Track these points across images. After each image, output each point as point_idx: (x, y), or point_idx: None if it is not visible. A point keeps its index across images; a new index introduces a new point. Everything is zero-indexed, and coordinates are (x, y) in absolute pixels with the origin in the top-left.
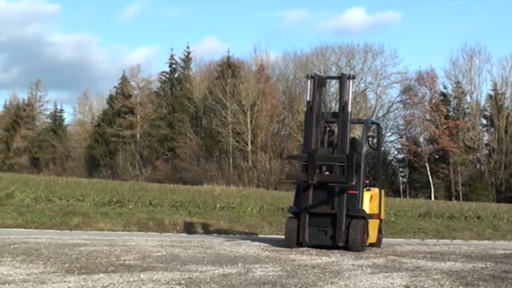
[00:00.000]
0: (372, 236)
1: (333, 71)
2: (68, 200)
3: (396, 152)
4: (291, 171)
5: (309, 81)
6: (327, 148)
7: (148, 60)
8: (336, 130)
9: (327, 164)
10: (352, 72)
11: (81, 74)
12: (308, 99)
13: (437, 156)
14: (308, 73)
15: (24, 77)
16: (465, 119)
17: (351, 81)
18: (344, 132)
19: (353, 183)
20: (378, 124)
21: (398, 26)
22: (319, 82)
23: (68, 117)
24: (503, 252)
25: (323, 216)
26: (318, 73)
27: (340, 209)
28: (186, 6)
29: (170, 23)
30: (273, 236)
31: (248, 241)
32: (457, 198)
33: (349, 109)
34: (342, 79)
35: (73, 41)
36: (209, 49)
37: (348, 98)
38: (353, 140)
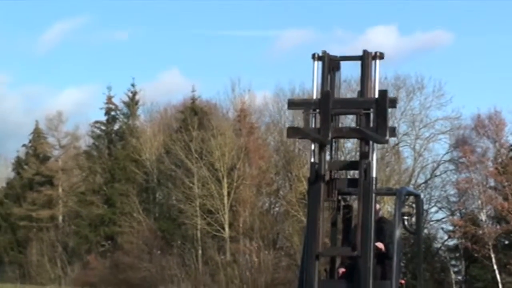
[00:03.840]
0: None
1: (350, 118)
2: None
3: (446, 237)
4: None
5: (315, 64)
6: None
7: (82, 108)
8: (355, 205)
9: (348, 112)
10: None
11: None
12: (313, 160)
13: (507, 242)
14: (314, 52)
15: None
16: None
17: (377, 63)
18: (367, 208)
19: (387, 138)
20: (417, 196)
21: (446, 51)
22: (331, 67)
23: None
24: None
25: None
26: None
27: None
28: (135, 27)
29: (112, 51)
30: None
31: None
32: None
33: (374, 173)
34: (365, 59)
35: None
36: (166, 87)
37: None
38: (380, 219)
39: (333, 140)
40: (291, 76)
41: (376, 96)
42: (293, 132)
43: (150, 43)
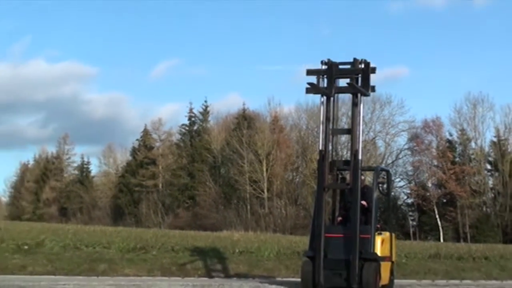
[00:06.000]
0: (384, 278)
1: (344, 121)
2: (95, 248)
3: (405, 197)
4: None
5: (322, 67)
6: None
7: (174, 115)
8: (348, 177)
9: (344, 76)
10: (361, 122)
11: (112, 129)
12: (320, 148)
13: (445, 200)
14: (322, 59)
15: (59, 133)
16: (471, 164)
17: (362, 66)
18: (356, 179)
19: (369, 92)
20: (387, 171)
21: (406, 79)
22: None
23: (94, 169)
24: None
25: (337, 259)
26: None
27: (353, 252)
28: (210, 64)
29: (196, 80)
30: (290, 279)
31: (267, 284)
32: (465, 240)
33: (360, 157)
34: (355, 64)
35: (107, 100)
36: (229, 103)
37: (360, 113)
38: (364, 186)
39: (335, 94)
40: (306, 96)
41: (363, 67)
42: (310, 88)
43: (220, 75)
